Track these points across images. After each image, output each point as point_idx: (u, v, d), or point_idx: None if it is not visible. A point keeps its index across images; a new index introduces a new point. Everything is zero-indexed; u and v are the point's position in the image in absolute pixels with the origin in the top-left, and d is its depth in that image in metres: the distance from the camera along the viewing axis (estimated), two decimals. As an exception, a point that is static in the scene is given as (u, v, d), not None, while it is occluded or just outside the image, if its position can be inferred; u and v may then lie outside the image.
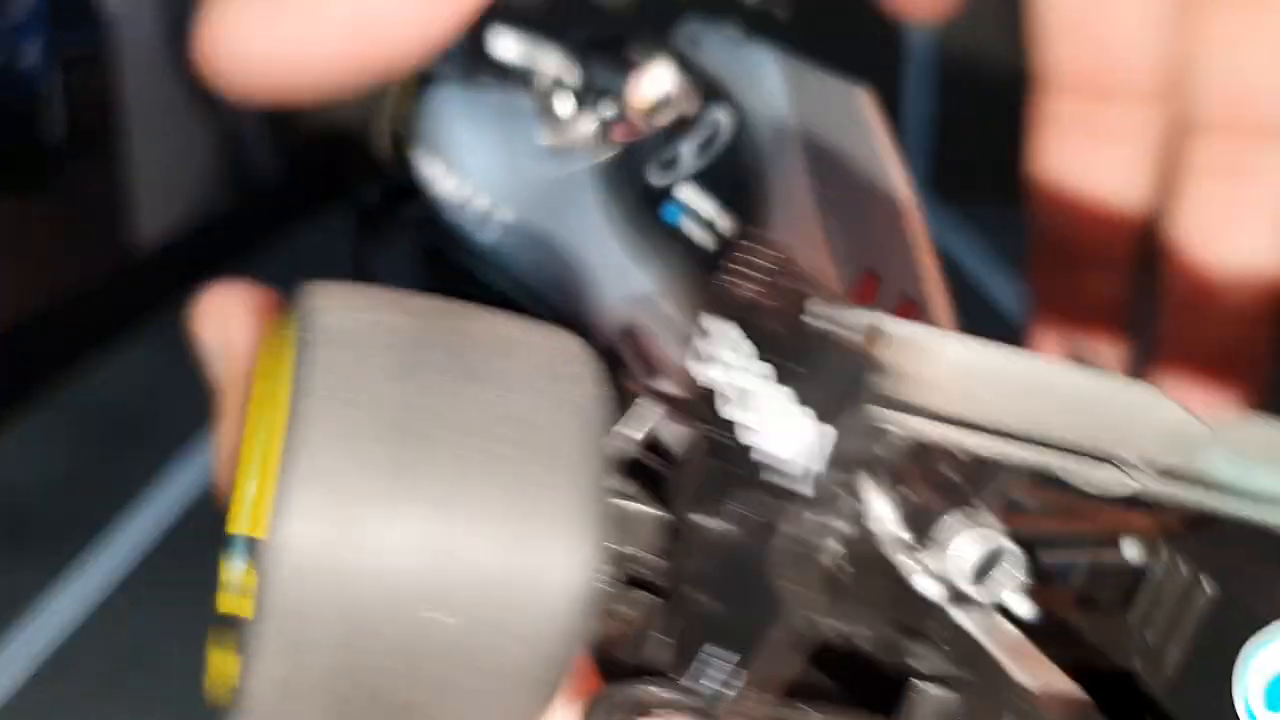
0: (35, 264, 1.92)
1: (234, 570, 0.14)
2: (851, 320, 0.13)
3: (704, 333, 0.15)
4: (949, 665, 0.14)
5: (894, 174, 0.21)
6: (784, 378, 0.14)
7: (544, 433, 0.13)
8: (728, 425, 0.14)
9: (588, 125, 0.24)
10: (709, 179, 0.22)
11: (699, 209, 0.21)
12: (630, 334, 0.20)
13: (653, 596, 0.16)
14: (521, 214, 0.24)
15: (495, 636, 0.13)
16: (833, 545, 0.13)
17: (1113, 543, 0.18)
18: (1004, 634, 0.14)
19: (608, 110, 0.24)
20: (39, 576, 1.36)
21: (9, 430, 1.74)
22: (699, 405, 0.15)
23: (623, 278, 0.22)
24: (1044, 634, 0.14)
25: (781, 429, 0.13)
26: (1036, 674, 0.13)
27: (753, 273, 0.15)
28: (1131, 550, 0.18)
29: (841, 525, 0.13)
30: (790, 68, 0.23)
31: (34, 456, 1.68)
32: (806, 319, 0.13)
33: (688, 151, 0.23)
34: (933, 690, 0.14)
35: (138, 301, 2.15)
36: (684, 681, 0.14)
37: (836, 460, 0.13)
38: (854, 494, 0.13)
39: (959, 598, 0.13)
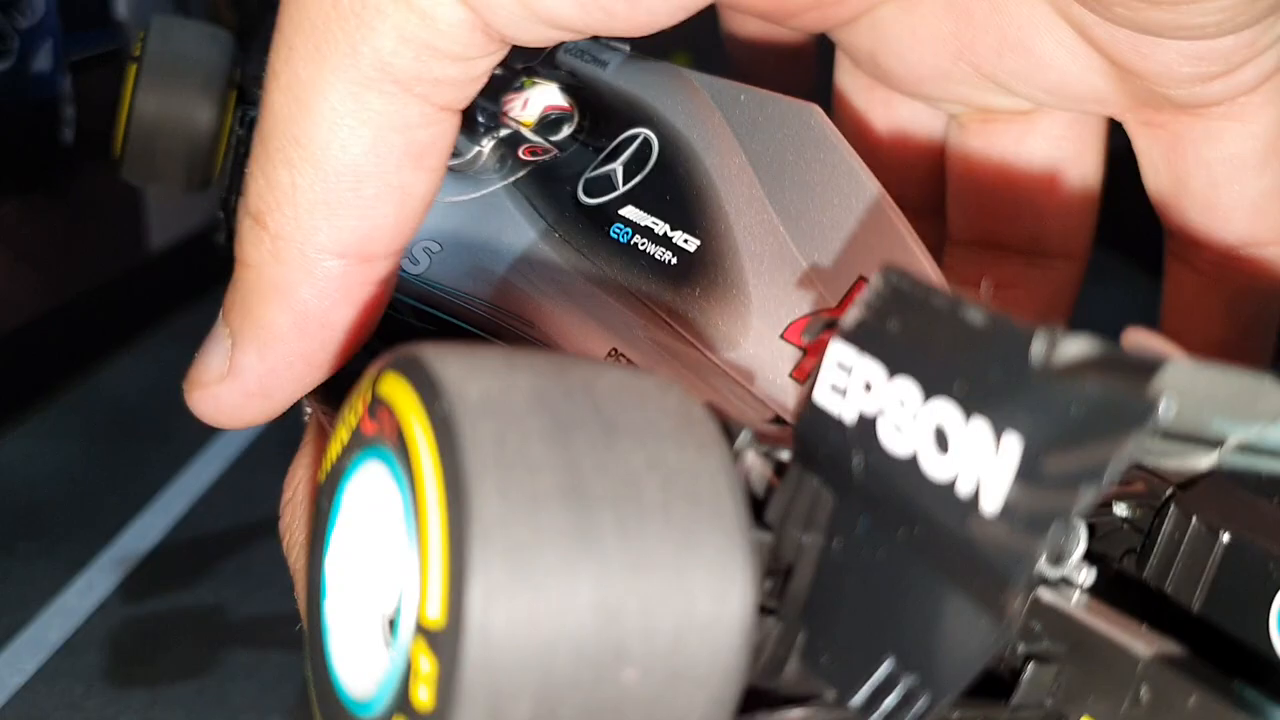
0: (48, 264, 1.93)
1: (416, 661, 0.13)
2: (1123, 360, 0.12)
3: (842, 367, 0.15)
4: (1045, 642, 0.15)
5: (864, 180, 0.21)
6: (971, 405, 0.13)
7: (691, 478, 0.13)
8: (881, 453, 0.14)
9: (484, 145, 0.25)
10: (650, 197, 0.23)
11: (649, 226, 0.22)
12: (617, 356, 0.20)
13: (772, 619, 0.15)
14: (448, 240, 0.24)
15: (672, 683, 0.13)
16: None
17: (1107, 506, 0.19)
18: (1089, 604, 0.15)
19: (501, 130, 0.25)
20: (54, 573, 1.37)
21: (23, 428, 1.76)
22: (826, 433, 0.15)
23: (574, 296, 0.22)
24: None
25: (970, 458, 0.13)
26: (1138, 636, 0.14)
27: (893, 305, 0.14)
28: (1122, 510, 0.19)
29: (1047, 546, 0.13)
30: (721, 89, 0.23)
31: (48, 454, 1.69)
32: (1034, 350, 0.13)
33: (618, 171, 0.23)
34: (1038, 667, 0.15)
35: (150, 302, 2.16)
36: (854, 703, 0.14)
37: (1089, 489, 0.12)
38: (1075, 521, 0.13)
39: (1040, 579, 0.14)
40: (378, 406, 0.14)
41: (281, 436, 1.45)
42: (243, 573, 1.37)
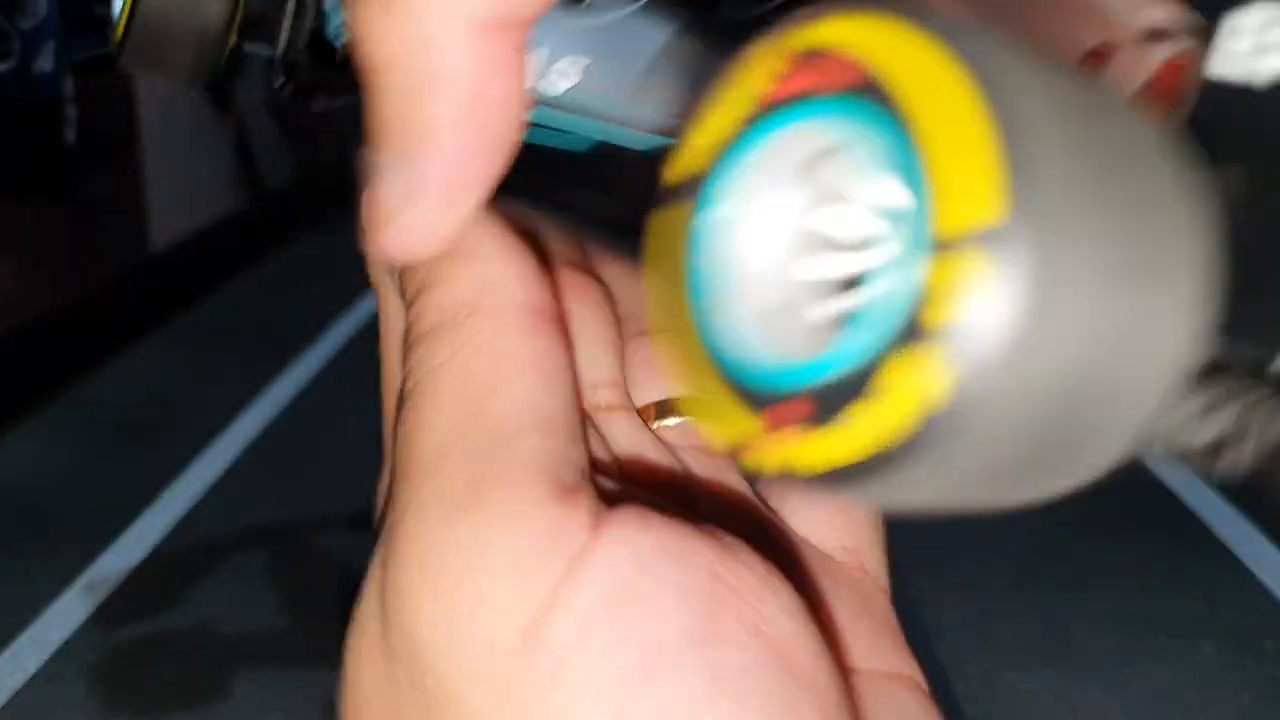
0: (50, 265, 1.94)
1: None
2: None
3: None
4: None
5: None
6: None
7: (1186, 190, 0.13)
8: None
9: None
10: None
11: None
12: None
13: None
14: (595, 62, 0.23)
15: (1154, 370, 0.13)
16: None
17: None
18: None
19: None
20: (55, 573, 1.37)
21: (25, 429, 1.76)
22: (1228, 109, 0.15)
23: None
24: None
25: None
26: None
27: None
28: None
29: None
30: None
31: (50, 455, 1.69)
32: None
33: None
34: None
35: (152, 303, 2.17)
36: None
37: None
38: None
39: None
40: (814, 58, 0.13)
41: (280, 441, 1.45)
42: (244, 574, 1.37)
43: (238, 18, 0.28)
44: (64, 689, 1.19)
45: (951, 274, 0.12)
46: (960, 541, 1.39)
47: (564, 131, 0.23)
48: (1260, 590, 1.38)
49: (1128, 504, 1.50)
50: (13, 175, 1.78)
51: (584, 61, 0.24)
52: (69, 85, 2.15)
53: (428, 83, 0.16)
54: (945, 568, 1.34)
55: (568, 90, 0.24)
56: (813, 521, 0.21)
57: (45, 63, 2.13)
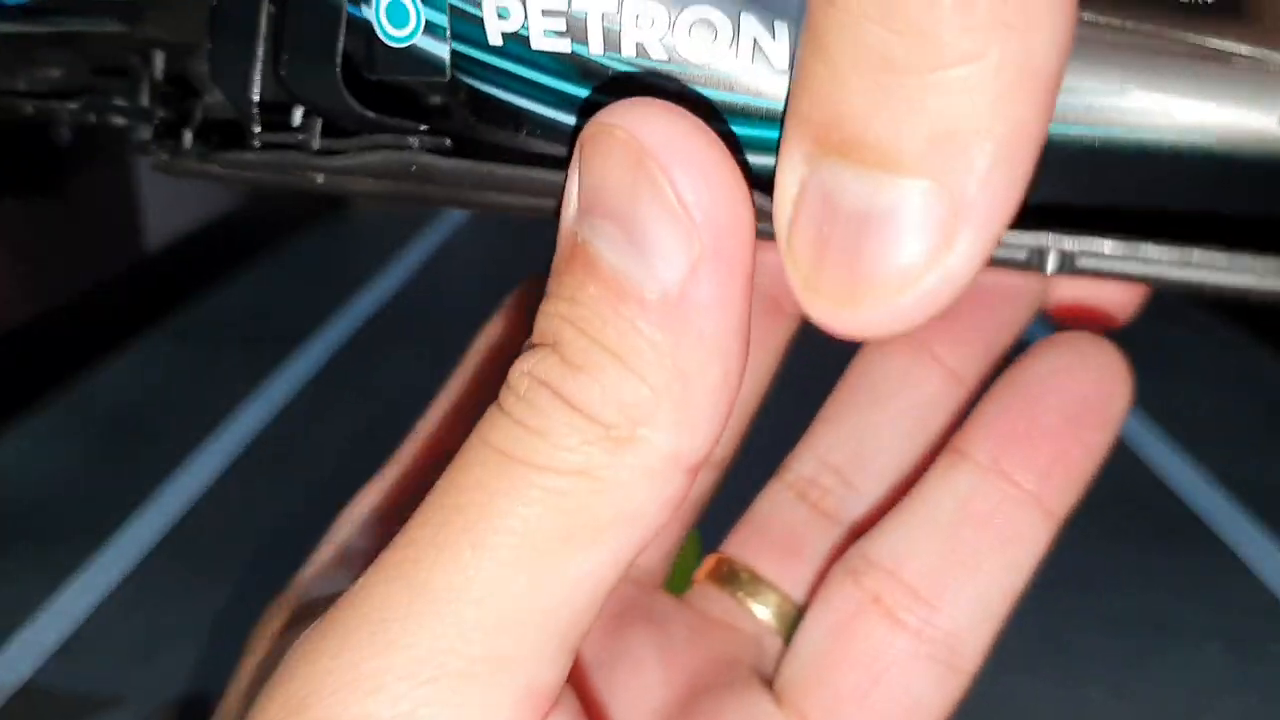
0: (45, 265, 1.93)
1: None
2: None
3: None
4: None
5: None
6: None
7: None
8: None
9: None
10: None
11: None
12: None
13: None
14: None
15: None
16: None
17: None
18: None
19: None
20: (50, 575, 1.37)
21: (20, 430, 1.76)
22: None
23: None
24: None
25: None
26: None
27: None
28: None
29: None
30: None
31: (45, 456, 1.69)
32: None
33: None
34: None
35: (147, 303, 2.16)
36: None
37: None
38: None
39: None
40: None
41: (277, 441, 1.44)
42: (242, 574, 1.36)
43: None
44: (61, 691, 1.19)
45: None
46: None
47: None
48: (1265, 592, 1.38)
49: (1130, 505, 1.49)
50: (7, 175, 1.77)
51: None
52: (65, 84, 2.12)
53: (1018, 80, 0.11)
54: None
55: None
56: None
57: (41, 61, 2.10)
